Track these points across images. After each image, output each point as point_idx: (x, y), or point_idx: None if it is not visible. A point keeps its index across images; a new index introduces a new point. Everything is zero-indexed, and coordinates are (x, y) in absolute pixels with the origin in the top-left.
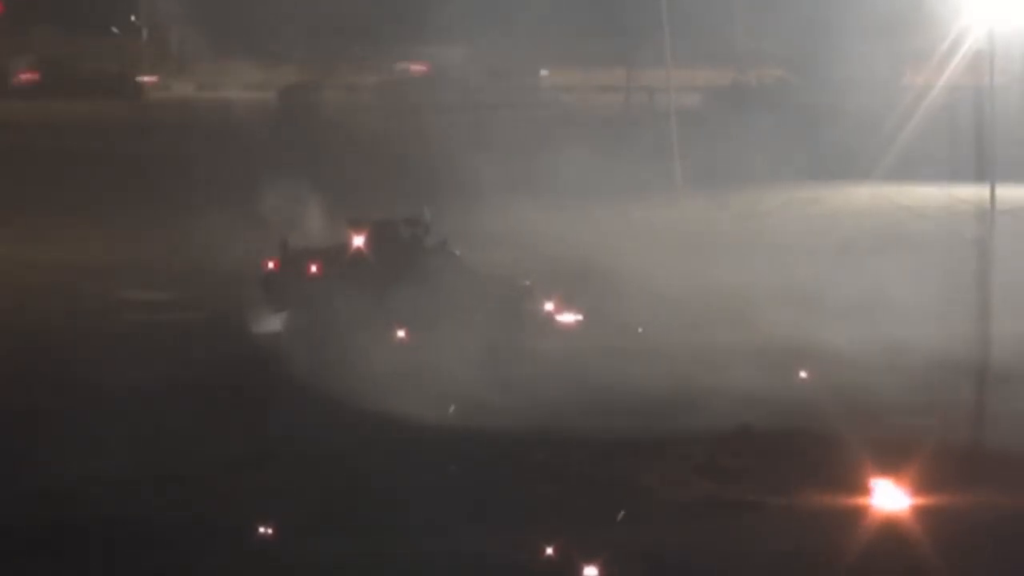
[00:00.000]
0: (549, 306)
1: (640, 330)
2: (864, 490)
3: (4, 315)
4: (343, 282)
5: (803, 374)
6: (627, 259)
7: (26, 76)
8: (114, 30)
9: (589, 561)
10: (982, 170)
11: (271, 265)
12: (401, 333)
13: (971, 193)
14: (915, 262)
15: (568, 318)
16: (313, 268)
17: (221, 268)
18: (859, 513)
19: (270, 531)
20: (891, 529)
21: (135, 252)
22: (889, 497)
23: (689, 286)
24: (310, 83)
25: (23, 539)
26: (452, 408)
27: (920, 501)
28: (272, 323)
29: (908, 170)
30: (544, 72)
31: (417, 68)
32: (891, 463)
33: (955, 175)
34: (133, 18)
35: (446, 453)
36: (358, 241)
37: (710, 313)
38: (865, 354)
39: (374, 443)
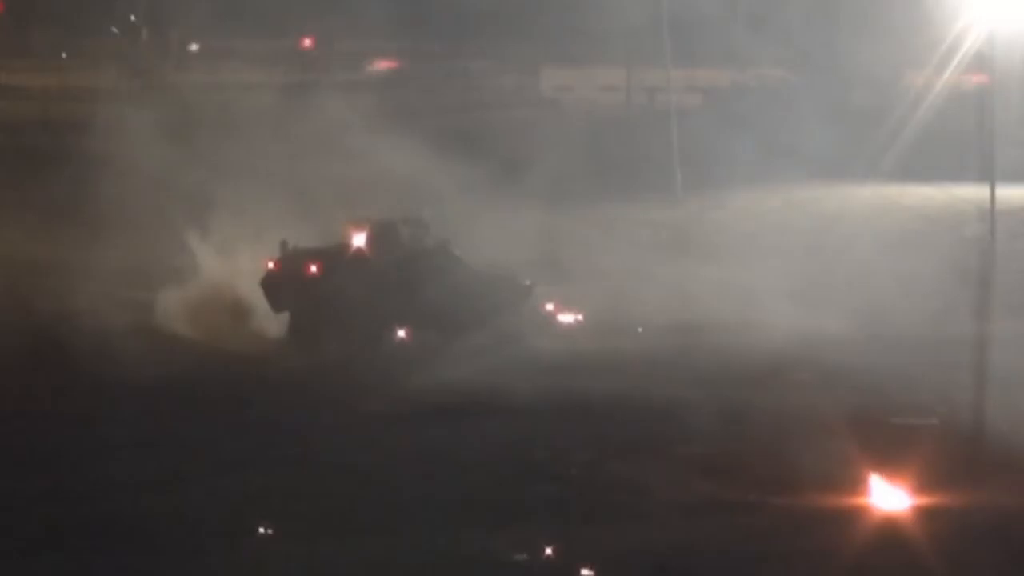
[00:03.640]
0: (549, 306)
1: (640, 330)
2: (863, 490)
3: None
4: (343, 282)
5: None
6: (621, 260)
7: None
8: (114, 30)
9: (589, 561)
10: (983, 170)
11: (271, 265)
12: (401, 333)
13: (972, 193)
14: (915, 261)
15: (568, 318)
16: (313, 268)
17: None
18: (859, 513)
19: (270, 531)
20: (891, 529)
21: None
22: (888, 496)
23: (687, 287)
24: (308, 82)
25: (23, 539)
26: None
27: (920, 500)
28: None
29: (909, 170)
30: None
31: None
32: (891, 462)
33: (956, 175)
34: (133, 18)
35: (445, 453)
36: (358, 241)
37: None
38: (862, 351)
39: (373, 443)
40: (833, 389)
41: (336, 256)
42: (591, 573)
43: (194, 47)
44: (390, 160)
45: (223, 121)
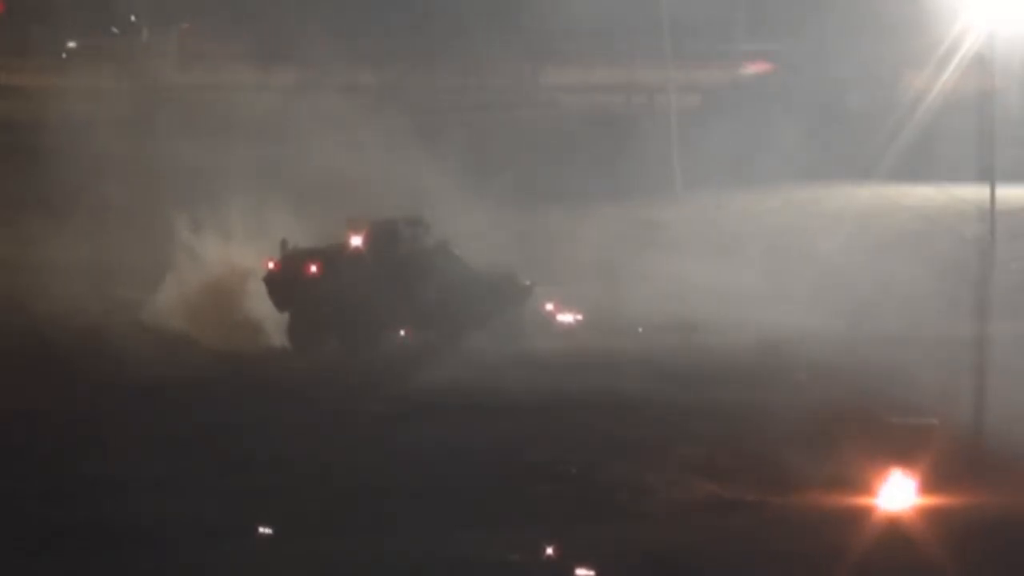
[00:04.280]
0: (549, 306)
1: (640, 330)
2: (863, 490)
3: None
4: (343, 282)
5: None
6: (621, 260)
7: None
8: (114, 30)
9: (588, 560)
10: (983, 170)
11: (271, 265)
12: (401, 333)
13: (972, 193)
14: (914, 262)
15: (568, 318)
16: (313, 268)
17: None
18: (859, 512)
19: (270, 531)
20: (891, 528)
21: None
22: (888, 496)
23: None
24: (307, 83)
25: (23, 539)
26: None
27: (919, 500)
28: None
29: (909, 170)
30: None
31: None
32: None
33: (955, 175)
34: (133, 18)
35: (445, 453)
36: (358, 241)
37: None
38: (861, 352)
39: (373, 443)
40: (832, 389)
41: (336, 256)
42: (591, 573)
43: (193, 47)
44: (388, 160)
45: (221, 121)
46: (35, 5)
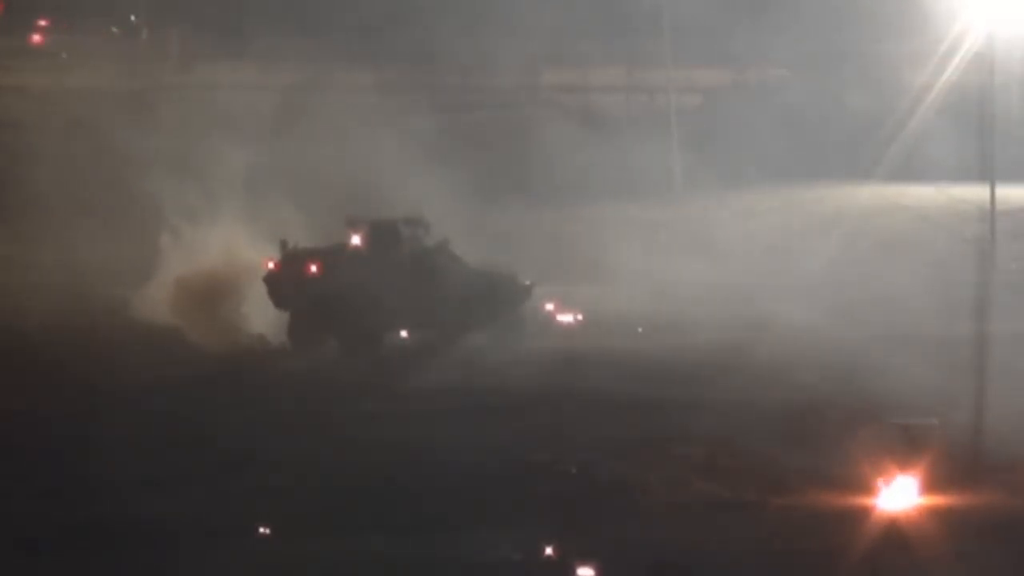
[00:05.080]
0: (549, 306)
1: (639, 330)
2: (863, 490)
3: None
4: (343, 282)
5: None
6: (621, 260)
7: None
8: (114, 30)
9: (589, 560)
10: (982, 170)
11: (271, 265)
12: (402, 333)
13: (971, 193)
14: (914, 262)
15: (568, 318)
16: (313, 268)
17: None
18: (859, 513)
19: (270, 531)
20: (891, 528)
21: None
22: (888, 496)
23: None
24: (309, 83)
25: (23, 539)
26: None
27: (919, 500)
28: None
29: (908, 170)
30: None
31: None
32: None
33: (955, 175)
34: (133, 18)
35: (445, 452)
36: (358, 241)
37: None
38: (861, 352)
39: (373, 443)
40: (833, 389)
41: (336, 256)
42: (591, 572)
43: (193, 47)
44: (388, 160)
45: (219, 121)
46: (35, 5)
